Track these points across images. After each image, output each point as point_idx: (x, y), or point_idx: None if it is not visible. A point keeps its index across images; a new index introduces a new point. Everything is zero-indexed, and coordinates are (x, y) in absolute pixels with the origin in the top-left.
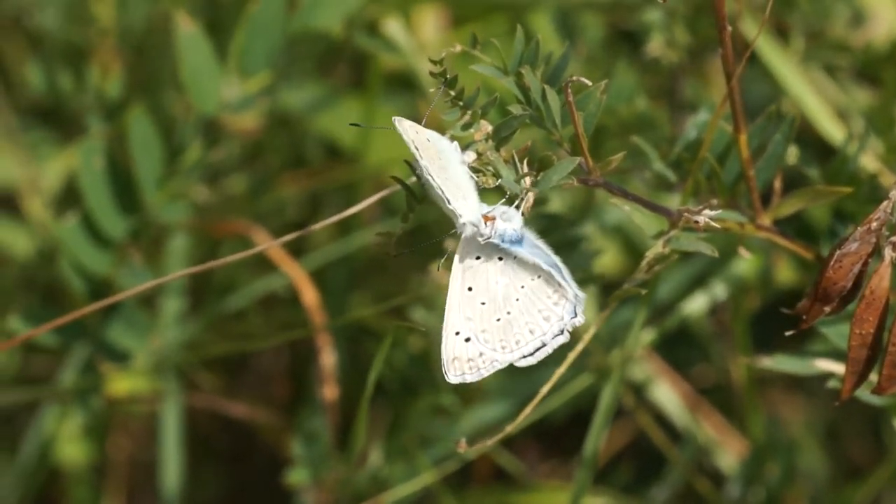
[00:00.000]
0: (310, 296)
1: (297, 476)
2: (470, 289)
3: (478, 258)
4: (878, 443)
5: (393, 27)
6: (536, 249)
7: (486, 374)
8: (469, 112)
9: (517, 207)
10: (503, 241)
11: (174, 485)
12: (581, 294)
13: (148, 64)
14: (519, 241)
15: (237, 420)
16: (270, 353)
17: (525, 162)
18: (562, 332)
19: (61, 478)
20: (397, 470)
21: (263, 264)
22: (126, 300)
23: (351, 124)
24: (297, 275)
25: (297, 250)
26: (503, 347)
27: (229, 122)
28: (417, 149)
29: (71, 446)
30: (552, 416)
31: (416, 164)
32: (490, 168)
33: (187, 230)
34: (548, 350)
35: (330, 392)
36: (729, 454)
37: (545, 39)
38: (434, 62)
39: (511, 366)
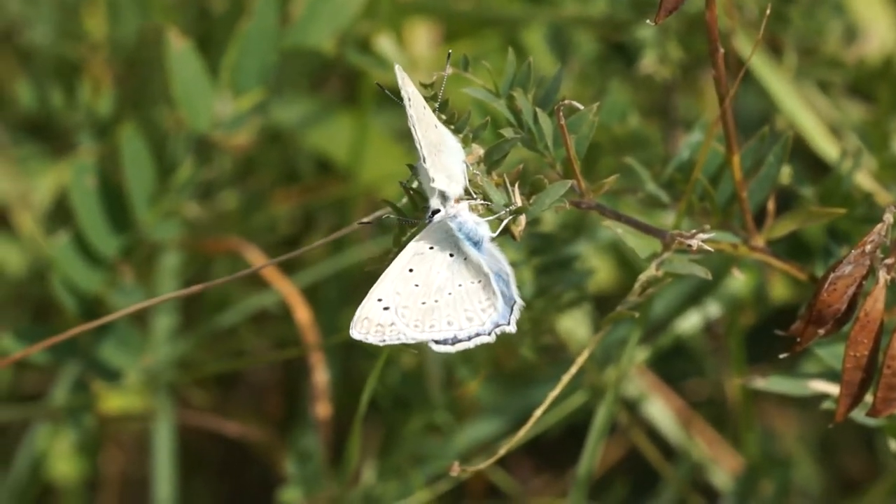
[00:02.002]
0: (302, 313)
1: (289, 495)
2: (411, 270)
3: (431, 248)
4: (874, 457)
5: (384, 43)
6: (491, 258)
7: (387, 342)
8: (461, 135)
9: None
10: (459, 231)
11: (166, 501)
12: (520, 302)
13: (140, 79)
14: (476, 243)
15: (230, 436)
16: (263, 369)
17: (517, 185)
18: (489, 333)
19: (54, 494)
20: (390, 488)
21: (255, 281)
22: (118, 318)
23: None
24: (289, 292)
25: (289, 267)
26: (416, 326)
27: (221, 138)
28: (409, 99)
29: (63, 463)
30: (546, 431)
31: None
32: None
33: (179, 247)
34: (466, 345)
35: (322, 410)
36: (723, 470)
37: (538, 56)
38: (425, 85)
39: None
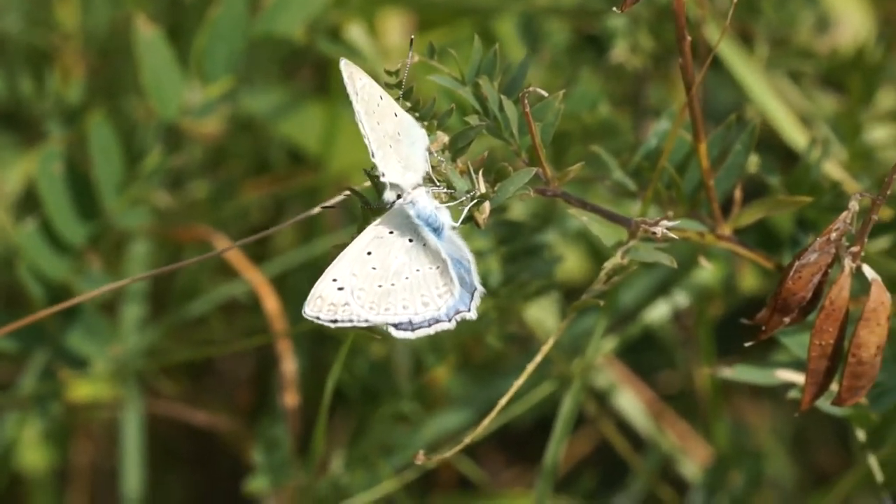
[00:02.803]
0: (271, 302)
1: (257, 484)
2: (369, 253)
3: (391, 232)
4: (847, 449)
5: (355, 32)
6: (451, 245)
7: (339, 322)
8: (426, 123)
9: (460, 208)
10: (417, 218)
11: (136, 491)
12: (481, 289)
13: (111, 68)
14: (436, 229)
15: (200, 426)
16: (234, 359)
17: (481, 172)
18: (449, 319)
19: (23, 484)
20: (358, 478)
21: (225, 270)
22: (86, 306)
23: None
24: (258, 281)
25: (258, 256)
26: (371, 308)
27: (191, 126)
28: (357, 94)
29: (32, 452)
30: (516, 423)
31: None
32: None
33: (148, 236)
34: (427, 331)
35: (291, 399)
36: (693, 462)
37: (510, 46)
38: (390, 73)
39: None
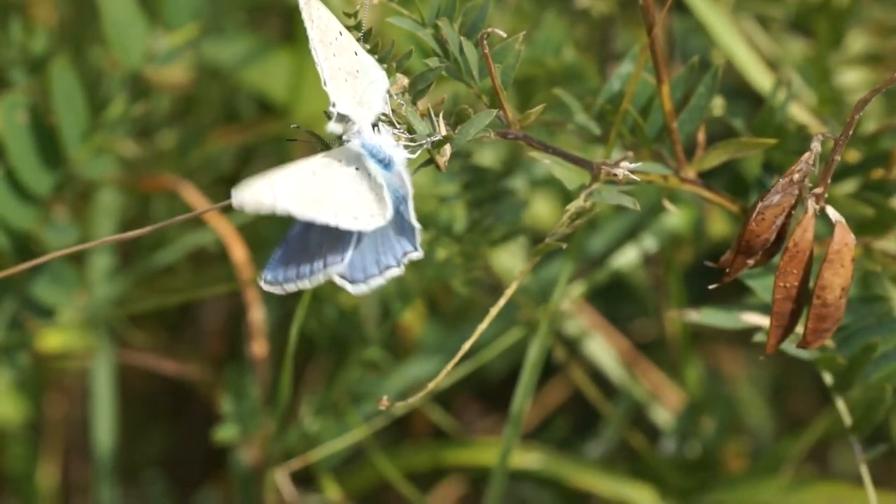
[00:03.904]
0: (238, 251)
1: (225, 432)
2: (314, 174)
3: (339, 161)
4: (825, 397)
5: None
6: (398, 178)
7: (264, 209)
8: (385, 65)
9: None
10: (362, 147)
11: (108, 443)
12: (418, 226)
13: (83, 23)
14: (386, 164)
15: (175, 378)
16: (206, 308)
17: (441, 115)
18: (398, 264)
19: None
20: (328, 426)
21: (193, 220)
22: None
23: None
24: (226, 231)
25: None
26: (302, 204)
27: (158, 76)
28: (312, 21)
29: (4, 404)
30: (490, 372)
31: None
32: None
33: (116, 186)
34: (377, 280)
35: (259, 348)
36: (666, 409)
37: None
38: (348, 15)
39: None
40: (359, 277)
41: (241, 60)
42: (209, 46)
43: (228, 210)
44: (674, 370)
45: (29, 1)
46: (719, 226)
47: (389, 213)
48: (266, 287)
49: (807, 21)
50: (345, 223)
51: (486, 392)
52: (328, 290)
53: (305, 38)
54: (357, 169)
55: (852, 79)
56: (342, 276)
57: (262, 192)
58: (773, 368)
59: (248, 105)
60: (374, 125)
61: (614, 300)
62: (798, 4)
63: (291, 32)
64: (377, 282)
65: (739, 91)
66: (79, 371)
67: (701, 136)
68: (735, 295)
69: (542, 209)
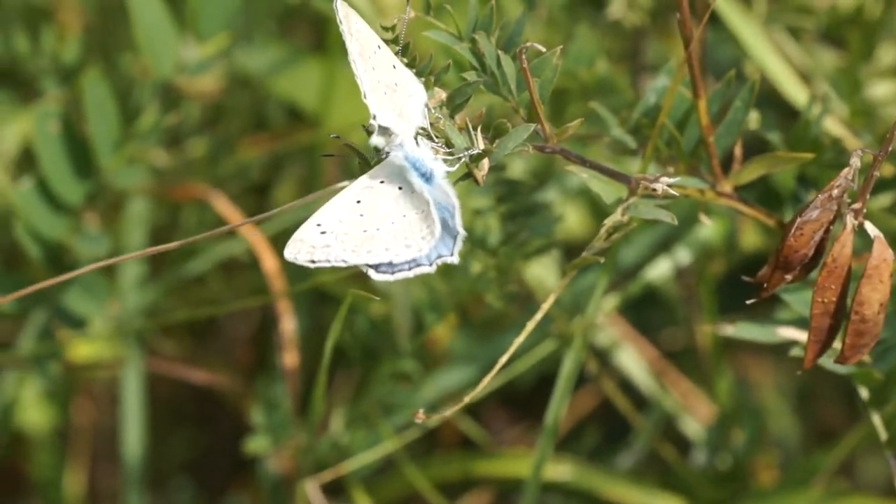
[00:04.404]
0: (270, 262)
1: (256, 444)
2: (358, 201)
3: (381, 182)
4: (851, 405)
5: None
6: (440, 192)
7: (317, 262)
8: (423, 79)
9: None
10: (405, 160)
11: (136, 450)
12: (463, 233)
13: (109, 27)
14: (424, 174)
15: (201, 386)
16: (235, 318)
17: (479, 129)
18: (430, 263)
19: (24, 443)
20: (359, 437)
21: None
22: (84, 265)
23: None
24: (257, 240)
25: (258, 215)
26: (353, 251)
27: (189, 84)
28: (351, 34)
29: (33, 411)
30: (519, 381)
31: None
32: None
33: (146, 194)
34: (406, 274)
35: (290, 359)
36: (696, 420)
37: (505, 1)
38: (386, 28)
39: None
40: (385, 269)
41: (272, 69)
42: (239, 55)
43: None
44: (703, 379)
45: (56, 6)
46: (751, 237)
47: (438, 230)
48: (288, 258)
49: (838, 32)
50: (398, 255)
51: (514, 400)
52: (360, 302)
53: (340, 49)
54: (400, 188)
55: (884, 91)
56: (368, 264)
57: (312, 236)
58: (799, 376)
59: (278, 113)
60: (414, 138)
61: (644, 309)
62: (829, 15)
63: (321, 41)
64: (404, 275)
65: (769, 99)
66: (107, 377)
67: (738, 151)
68: (765, 305)
69: (573, 219)
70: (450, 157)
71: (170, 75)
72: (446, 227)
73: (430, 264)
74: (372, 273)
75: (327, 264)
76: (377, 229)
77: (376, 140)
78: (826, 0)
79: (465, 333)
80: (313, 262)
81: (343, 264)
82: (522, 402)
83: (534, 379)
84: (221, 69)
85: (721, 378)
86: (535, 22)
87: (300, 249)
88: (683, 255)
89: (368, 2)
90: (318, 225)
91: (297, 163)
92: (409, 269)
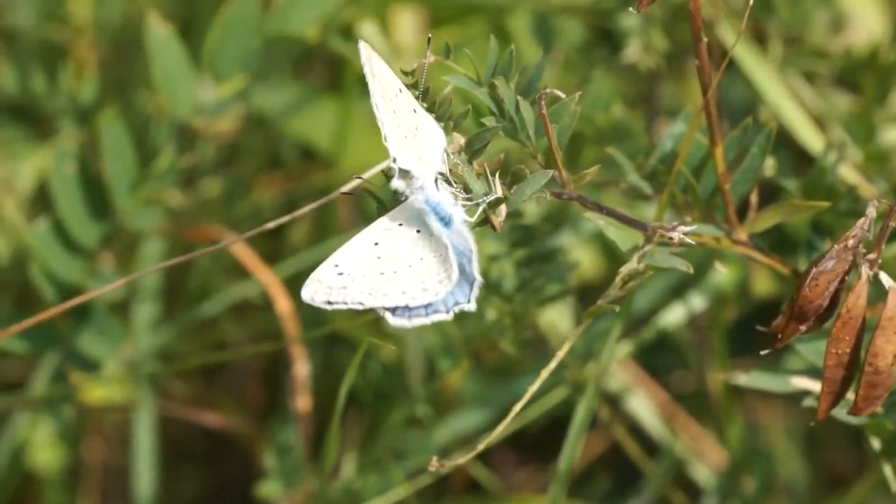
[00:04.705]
0: (283, 304)
1: (268, 488)
2: (376, 244)
3: (400, 224)
4: (861, 452)
5: (368, 30)
6: (458, 236)
7: (334, 304)
8: (442, 124)
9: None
10: (425, 203)
11: (147, 491)
12: (480, 279)
13: (124, 62)
14: (443, 218)
15: (212, 428)
16: (246, 358)
17: (497, 175)
18: (448, 311)
19: (35, 482)
20: (370, 482)
21: (237, 271)
22: (98, 307)
23: None
24: (270, 282)
25: (271, 256)
26: (370, 294)
27: (203, 125)
28: (374, 76)
29: (44, 451)
30: (529, 425)
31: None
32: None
33: (161, 235)
34: (423, 321)
35: (303, 403)
36: (706, 465)
37: (523, 42)
38: (406, 73)
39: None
40: (402, 313)
41: (286, 109)
42: (255, 94)
43: (273, 261)
44: (711, 421)
45: (72, 42)
46: (764, 283)
47: (455, 274)
48: (305, 299)
49: (853, 77)
50: (415, 299)
51: (524, 442)
52: (372, 346)
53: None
54: (419, 231)
55: None
56: (386, 308)
57: (329, 277)
58: (808, 419)
59: (293, 154)
60: (434, 182)
61: (654, 352)
62: (844, 60)
63: (336, 81)
64: (421, 321)
65: (781, 142)
66: (118, 418)
67: (753, 198)
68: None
69: (586, 260)
70: (468, 203)
71: (187, 117)
72: (463, 273)
73: (448, 311)
74: (389, 317)
75: (344, 306)
76: (394, 272)
77: (397, 183)
78: (841, 44)
79: (476, 377)
80: (330, 303)
81: (360, 307)
82: (532, 444)
83: (544, 420)
84: (237, 109)
85: (732, 424)
86: (551, 65)
87: (317, 290)
88: (697, 301)
89: (385, 42)
90: (336, 266)
91: (311, 203)
92: (427, 314)
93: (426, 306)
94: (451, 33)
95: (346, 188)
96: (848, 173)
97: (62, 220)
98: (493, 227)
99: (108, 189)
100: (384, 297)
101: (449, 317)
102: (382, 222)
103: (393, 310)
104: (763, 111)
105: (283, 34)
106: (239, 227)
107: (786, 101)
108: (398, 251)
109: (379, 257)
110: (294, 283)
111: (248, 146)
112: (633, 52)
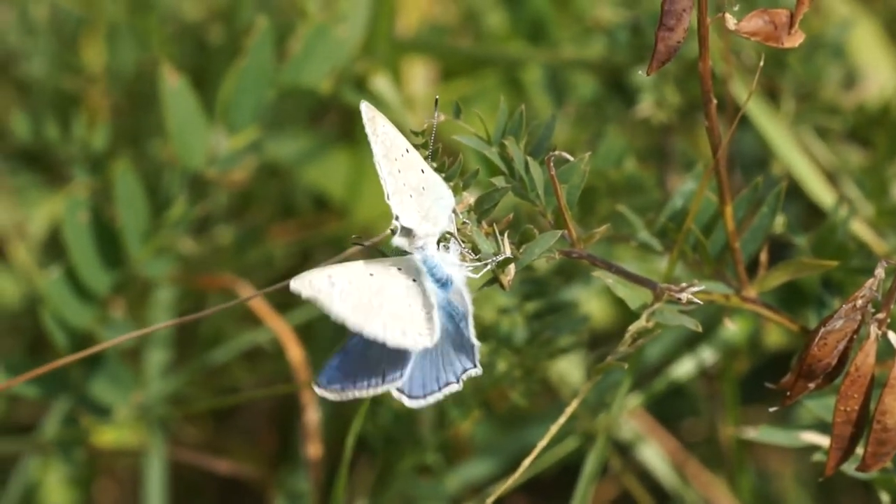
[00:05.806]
0: (295, 351)
1: None
2: (372, 275)
3: (399, 269)
4: (872, 498)
5: (381, 83)
6: (457, 297)
7: (318, 301)
8: (451, 182)
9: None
10: (423, 263)
11: None
12: (477, 343)
13: (137, 110)
14: (443, 283)
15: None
16: (257, 404)
17: (507, 235)
18: (458, 380)
19: None
20: None
21: (249, 318)
22: (109, 354)
23: None
24: (282, 330)
25: (283, 304)
26: (353, 309)
27: (216, 175)
28: (376, 135)
29: (56, 494)
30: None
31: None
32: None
33: (173, 283)
34: (436, 396)
35: (314, 450)
36: None
37: (535, 95)
38: (416, 133)
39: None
40: (418, 393)
41: (300, 158)
42: (268, 143)
43: (285, 309)
44: (724, 469)
45: (83, 93)
46: (775, 336)
47: (436, 336)
48: (320, 392)
49: (864, 132)
50: (392, 338)
51: (535, 488)
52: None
53: (368, 144)
54: (414, 281)
55: None
56: (400, 391)
57: (320, 282)
58: (819, 468)
59: (306, 203)
60: (440, 241)
61: (665, 399)
62: (856, 116)
63: (350, 130)
64: (436, 397)
65: (791, 195)
66: (129, 463)
67: (763, 257)
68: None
69: (597, 308)
70: (477, 264)
71: (200, 167)
72: (461, 337)
73: (458, 381)
74: (405, 400)
75: (325, 307)
76: (380, 305)
77: (399, 241)
78: (853, 99)
79: (487, 424)
80: (316, 300)
81: (338, 316)
82: (543, 489)
83: (555, 468)
84: (250, 158)
85: (743, 472)
86: (563, 118)
87: (306, 287)
88: (707, 354)
89: (398, 93)
90: (329, 276)
91: (324, 252)
92: (440, 388)
93: (439, 383)
94: (464, 85)
95: (358, 239)
96: (859, 229)
97: (74, 268)
98: (503, 287)
99: (120, 238)
100: (364, 318)
101: (460, 386)
102: (384, 260)
103: (410, 395)
104: (775, 166)
105: (297, 86)
106: (251, 276)
107: (797, 156)
108: (390, 289)
109: (371, 286)
110: (305, 331)
111: (261, 194)
112: (645, 107)
